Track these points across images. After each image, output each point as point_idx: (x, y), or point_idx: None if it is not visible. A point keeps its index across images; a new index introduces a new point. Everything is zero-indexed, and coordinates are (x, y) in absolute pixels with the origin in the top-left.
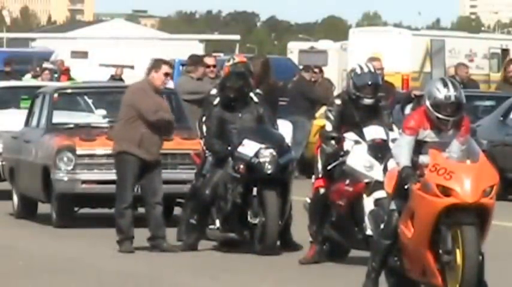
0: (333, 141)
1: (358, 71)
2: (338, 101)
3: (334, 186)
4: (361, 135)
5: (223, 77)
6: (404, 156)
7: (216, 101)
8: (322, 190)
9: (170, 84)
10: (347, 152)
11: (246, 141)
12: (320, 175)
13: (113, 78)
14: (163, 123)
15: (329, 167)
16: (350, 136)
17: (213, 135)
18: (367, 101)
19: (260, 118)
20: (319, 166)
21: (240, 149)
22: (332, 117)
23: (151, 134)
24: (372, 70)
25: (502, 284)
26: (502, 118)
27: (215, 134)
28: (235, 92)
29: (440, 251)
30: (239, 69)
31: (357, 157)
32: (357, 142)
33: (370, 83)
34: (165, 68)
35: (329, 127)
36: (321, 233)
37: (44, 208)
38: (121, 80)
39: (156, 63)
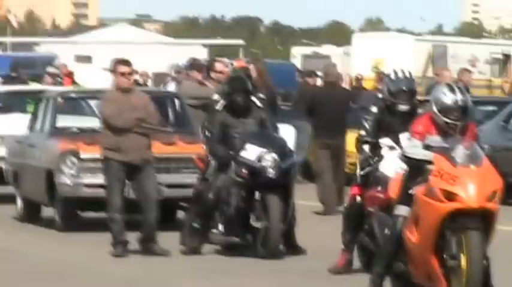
0: (366, 146)
1: (393, 76)
2: (374, 109)
3: (368, 193)
4: (397, 141)
5: (227, 81)
6: (422, 151)
7: (219, 105)
8: (358, 197)
9: (172, 88)
10: (382, 158)
11: (248, 146)
12: (357, 182)
13: (138, 84)
14: (132, 123)
15: (362, 173)
16: (385, 142)
17: (216, 140)
18: (403, 107)
19: (263, 123)
20: (357, 172)
21: (243, 153)
22: (367, 126)
23: (127, 136)
24: (408, 76)
25: None
26: (503, 123)
27: (218, 139)
28: (242, 96)
29: (445, 255)
30: (243, 74)
31: (390, 163)
32: (391, 148)
33: (405, 88)
34: (121, 69)
35: (363, 134)
36: (354, 242)
37: (47, 211)
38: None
39: (113, 66)
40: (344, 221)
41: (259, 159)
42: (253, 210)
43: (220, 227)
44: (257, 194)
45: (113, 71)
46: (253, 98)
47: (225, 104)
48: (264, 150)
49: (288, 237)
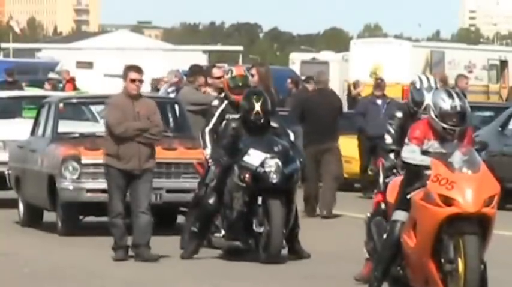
0: (391, 155)
1: (418, 85)
2: (399, 114)
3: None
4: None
5: (246, 97)
6: (420, 156)
7: (218, 112)
8: (383, 205)
9: (173, 94)
10: None
11: (251, 151)
12: (381, 189)
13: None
14: (133, 133)
15: (387, 180)
16: None
17: (221, 146)
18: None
19: (276, 133)
20: (381, 179)
21: (246, 158)
22: (392, 131)
23: (128, 145)
24: (433, 84)
25: None
26: (500, 129)
27: (224, 147)
28: (263, 117)
29: (443, 260)
30: (260, 91)
31: None
32: None
33: None
34: (131, 75)
35: (389, 140)
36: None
37: (49, 216)
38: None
39: (124, 72)
40: (367, 229)
41: (262, 164)
42: (256, 215)
43: (223, 231)
44: (259, 199)
45: (124, 76)
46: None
47: (247, 123)
48: (268, 155)
49: (292, 241)
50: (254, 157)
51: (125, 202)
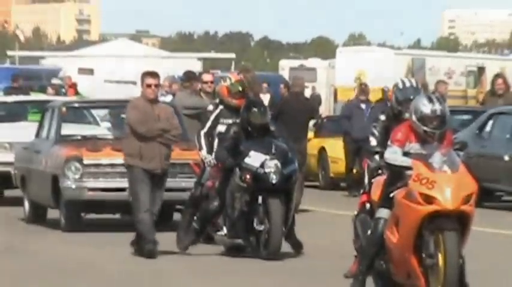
0: (376, 156)
1: (400, 85)
2: (383, 117)
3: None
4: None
5: (246, 106)
6: (401, 157)
7: (213, 116)
8: (368, 205)
9: (168, 99)
10: None
11: (252, 153)
12: (366, 190)
13: None
14: (156, 132)
15: (372, 181)
16: None
17: (224, 148)
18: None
19: (273, 136)
20: (366, 180)
21: (247, 160)
22: (376, 133)
23: (150, 145)
24: (414, 85)
25: (477, 286)
26: (478, 131)
27: (226, 149)
28: (260, 128)
29: (424, 255)
30: (260, 103)
31: None
32: None
33: (412, 97)
34: (147, 81)
35: (373, 142)
36: None
37: (53, 213)
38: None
39: (141, 78)
40: (354, 228)
41: (263, 165)
42: (256, 214)
43: (225, 229)
44: (260, 199)
45: (141, 82)
46: (272, 128)
47: (246, 130)
48: (267, 157)
49: (290, 236)
50: (254, 158)
51: (151, 198)
